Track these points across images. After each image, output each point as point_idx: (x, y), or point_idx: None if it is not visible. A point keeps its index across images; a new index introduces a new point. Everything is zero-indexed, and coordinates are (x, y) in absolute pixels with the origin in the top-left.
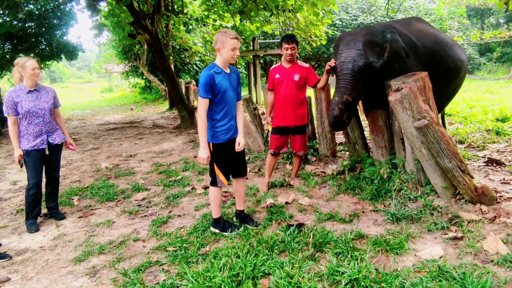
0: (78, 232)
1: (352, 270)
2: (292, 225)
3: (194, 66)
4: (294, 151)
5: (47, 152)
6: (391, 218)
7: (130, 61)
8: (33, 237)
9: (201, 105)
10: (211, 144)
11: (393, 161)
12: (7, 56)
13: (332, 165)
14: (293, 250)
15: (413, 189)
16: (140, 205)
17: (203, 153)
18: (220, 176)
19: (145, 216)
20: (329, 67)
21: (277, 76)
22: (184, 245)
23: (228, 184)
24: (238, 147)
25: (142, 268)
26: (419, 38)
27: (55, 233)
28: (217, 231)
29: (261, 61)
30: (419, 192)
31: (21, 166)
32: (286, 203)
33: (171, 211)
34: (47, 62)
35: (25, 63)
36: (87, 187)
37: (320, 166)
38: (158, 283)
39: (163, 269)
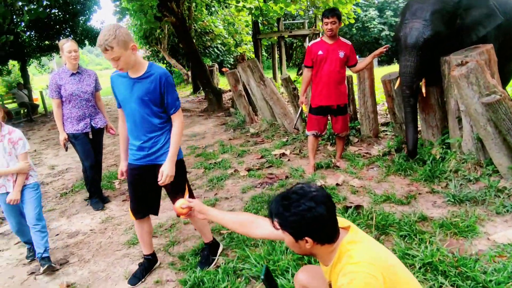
0: (124, 215)
1: (424, 254)
2: (350, 206)
3: (215, 49)
4: (336, 133)
5: (90, 136)
6: (452, 200)
7: (151, 46)
8: (82, 220)
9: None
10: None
11: (446, 140)
12: (33, 44)
13: (377, 146)
14: None
15: (471, 170)
16: None
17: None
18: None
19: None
20: (378, 53)
21: (320, 52)
22: None
23: (138, 219)
24: (160, 179)
25: (198, 251)
26: (499, 3)
27: (103, 216)
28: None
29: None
30: (479, 173)
31: (66, 150)
32: (337, 184)
33: (216, 194)
34: None
35: (63, 46)
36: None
37: (363, 147)
38: (218, 266)
39: (221, 252)
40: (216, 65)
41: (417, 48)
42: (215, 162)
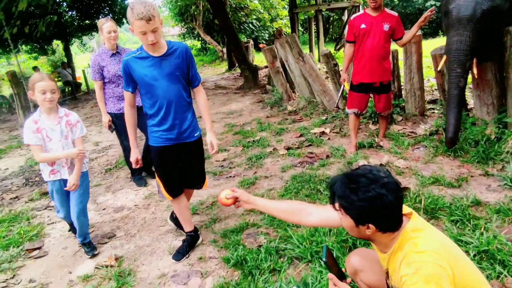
0: None
1: (479, 241)
2: None
3: (250, 25)
4: (378, 112)
5: None
6: (510, 184)
7: (186, 23)
8: (126, 196)
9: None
10: (151, 146)
11: (504, 119)
12: (75, 24)
13: (423, 125)
14: None
15: None
16: (222, 165)
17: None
18: (161, 187)
19: (230, 177)
20: (423, 20)
21: (363, 26)
22: None
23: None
24: (211, 151)
25: (239, 230)
26: None
27: (145, 192)
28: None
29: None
30: None
31: (112, 131)
32: (381, 165)
33: (256, 172)
34: None
35: (102, 26)
36: None
37: (408, 126)
38: (260, 245)
39: (261, 231)
40: (251, 41)
41: (473, 22)
42: (253, 140)
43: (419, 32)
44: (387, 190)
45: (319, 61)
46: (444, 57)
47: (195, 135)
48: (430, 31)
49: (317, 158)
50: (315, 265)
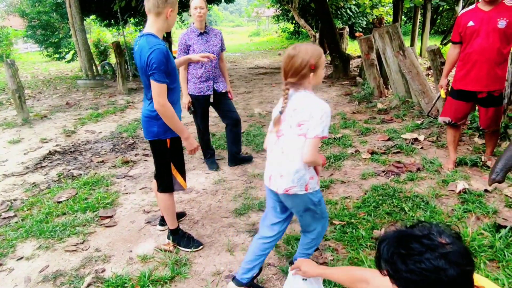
0: (236, 180)
1: None
2: (504, 226)
3: (348, 10)
4: (482, 128)
5: (211, 100)
6: None
7: (281, 5)
8: (197, 178)
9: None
10: (167, 140)
11: None
12: None
13: None
14: (509, 263)
15: None
16: None
17: (194, 142)
18: (178, 178)
19: None
20: None
21: (471, 23)
22: (353, 220)
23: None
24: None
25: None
26: None
27: (216, 177)
28: (173, 243)
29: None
30: None
31: (190, 113)
32: (485, 191)
33: (332, 174)
34: (208, 5)
35: (191, 2)
36: (243, 132)
37: None
38: (325, 262)
39: (329, 245)
40: (347, 28)
41: None
42: (334, 138)
43: None
44: (447, 263)
45: (420, 55)
46: None
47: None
48: None
49: (406, 169)
50: None
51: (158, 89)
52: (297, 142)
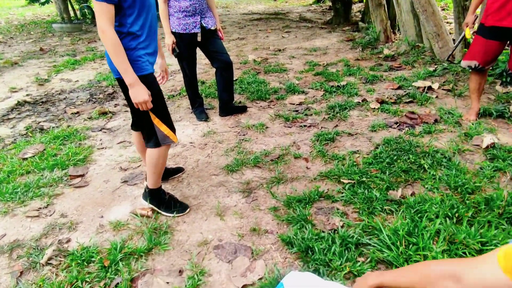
0: (228, 132)
1: None
2: None
3: None
4: (511, 71)
5: (199, 38)
6: None
7: None
8: (184, 130)
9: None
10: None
11: None
12: None
13: None
14: None
15: None
16: (297, 110)
17: (141, 92)
18: (162, 128)
19: (305, 126)
20: None
21: None
22: (364, 179)
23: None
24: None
25: (309, 200)
26: None
27: (205, 129)
28: (151, 207)
29: None
30: None
31: (176, 56)
32: None
33: (337, 126)
34: None
35: None
36: (236, 80)
37: None
38: (335, 230)
39: (337, 208)
40: None
41: None
42: (338, 86)
43: None
44: None
45: None
46: None
47: None
48: None
49: (421, 121)
50: None
51: (97, 7)
52: None
